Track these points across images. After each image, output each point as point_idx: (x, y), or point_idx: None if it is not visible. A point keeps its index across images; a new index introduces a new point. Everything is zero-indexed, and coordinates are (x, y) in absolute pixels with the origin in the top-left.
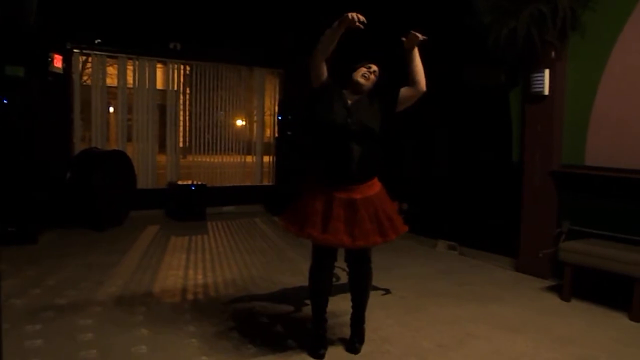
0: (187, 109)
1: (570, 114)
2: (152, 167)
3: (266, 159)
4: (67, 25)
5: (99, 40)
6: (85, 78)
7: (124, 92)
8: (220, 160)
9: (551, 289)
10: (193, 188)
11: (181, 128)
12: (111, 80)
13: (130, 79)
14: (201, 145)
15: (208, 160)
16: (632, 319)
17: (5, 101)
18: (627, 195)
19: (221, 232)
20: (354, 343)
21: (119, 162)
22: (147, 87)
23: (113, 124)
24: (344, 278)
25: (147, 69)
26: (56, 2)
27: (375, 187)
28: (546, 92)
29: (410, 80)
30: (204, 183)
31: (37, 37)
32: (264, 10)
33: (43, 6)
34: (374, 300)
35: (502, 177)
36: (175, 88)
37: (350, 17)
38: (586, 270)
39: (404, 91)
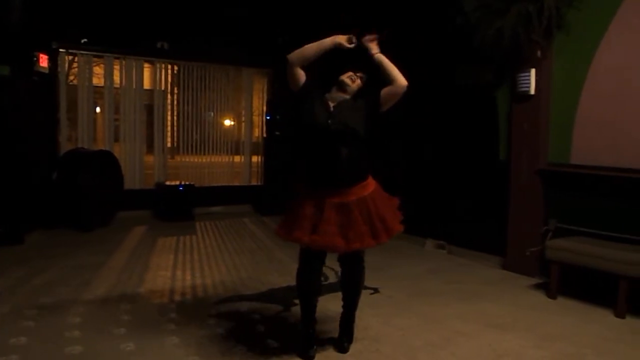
0: (174, 108)
1: (556, 112)
2: (139, 168)
3: (255, 159)
4: (52, 25)
5: (85, 40)
6: (71, 78)
7: (110, 91)
8: (208, 160)
9: (538, 286)
10: (181, 188)
11: (169, 128)
12: (98, 80)
13: (117, 79)
14: (189, 145)
15: (196, 160)
16: (617, 315)
17: None
18: (612, 193)
19: (209, 233)
20: (342, 342)
21: (106, 163)
22: (134, 86)
23: (100, 124)
24: (332, 278)
25: (134, 68)
26: (42, 1)
27: (369, 187)
28: (532, 91)
29: (387, 81)
30: (192, 183)
31: (22, 36)
32: (252, 10)
33: (28, 5)
34: (363, 299)
35: (489, 175)
36: (163, 88)
37: (343, 41)
38: (572, 267)
39: (385, 91)
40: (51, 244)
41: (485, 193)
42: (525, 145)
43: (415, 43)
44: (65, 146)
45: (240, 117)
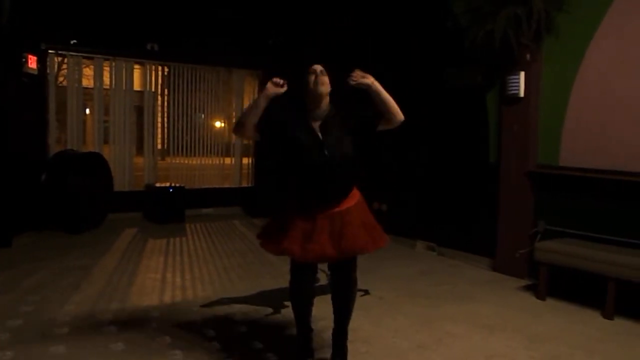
0: (165, 110)
1: (545, 115)
2: (129, 169)
3: (245, 160)
4: (42, 26)
5: (75, 41)
6: (61, 79)
7: (100, 93)
8: (198, 162)
9: (527, 288)
10: (171, 190)
11: (159, 130)
12: (87, 82)
13: (106, 80)
14: (179, 147)
15: (186, 162)
16: (605, 316)
17: None
18: (601, 195)
19: (200, 235)
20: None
21: (96, 164)
22: (124, 88)
23: (90, 126)
24: (323, 280)
25: (124, 70)
26: (31, 2)
27: (354, 197)
28: (522, 93)
29: (384, 116)
30: (182, 185)
31: (11, 37)
32: (243, 12)
33: (17, 6)
34: None
35: (479, 177)
36: (153, 89)
37: (270, 87)
38: (561, 269)
39: (383, 122)
40: (40, 247)
41: (475, 195)
42: (514, 148)
43: (406, 46)
44: (54, 148)
45: (231, 118)
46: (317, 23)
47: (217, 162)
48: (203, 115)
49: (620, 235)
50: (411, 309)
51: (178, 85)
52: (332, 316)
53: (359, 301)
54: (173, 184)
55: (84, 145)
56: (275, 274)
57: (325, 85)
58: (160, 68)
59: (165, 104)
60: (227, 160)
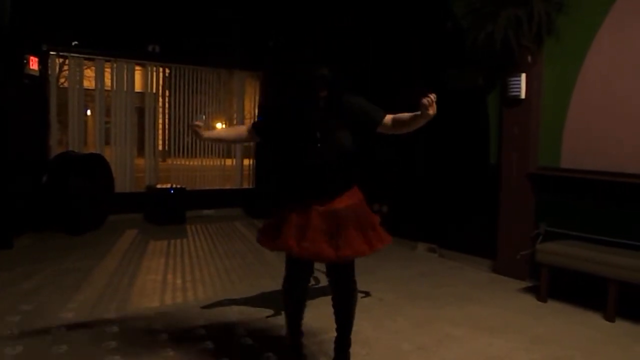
0: (166, 111)
1: (546, 117)
2: (130, 171)
3: (246, 162)
4: (43, 27)
5: (76, 42)
6: (62, 80)
7: (101, 94)
8: (199, 163)
9: (528, 290)
10: (172, 192)
11: (160, 131)
12: (89, 83)
13: (108, 82)
14: (180, 148)
15: (187, 163)
16: (606, 318)
17: None
18: (601, 197)
19: (201, 236)
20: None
21: (97, 166)
22: (125, 89)
23: (91, 127)
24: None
25: (125, 71)
26: (32, 3)
27: (355, 196)
28: (523, 95)
29: (400, 121)
30: (183, 186)
31: (12, 39)
32: (244, 13)
33: (18, 7)
34: None
35: (480, 179)
36: (154, 91)
37: (196, 128)
38: (563, 271)
39: (389, 124)
40: (41, 248)
41: (476, 196)
42: (515, 149)
43: (407, 47)
44: (55, 149)
45: (232, 120)
46: (317, 24)
47: (218, 163)
48: (204, 117)
49: (622, 237)
50: (412, 310)
51: (179, 86)
52: (332, 318)
53: (360, 303)
54: (174, 185)
55: (85, 147)
56: (276, 275)
57: (324, 99)
58: (161, 69)
59: (167, 105)
60: (228, 162)
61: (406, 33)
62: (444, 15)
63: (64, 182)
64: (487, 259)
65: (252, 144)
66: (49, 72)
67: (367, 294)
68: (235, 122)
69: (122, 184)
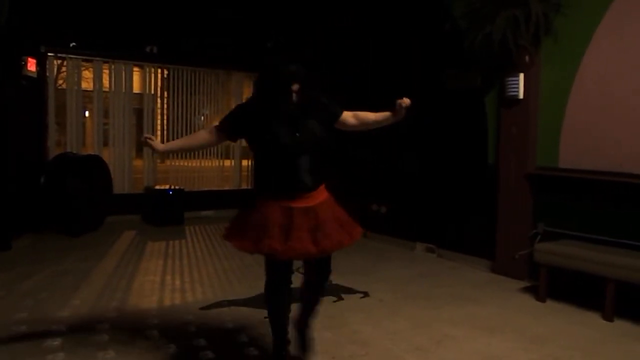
0: (164, 112)
1: (544, 117)
2: (128, 172)
3: (244, 162)
4: (41, 29)
5: (74, 44)
6: (60, 82)
7: (99, 96)
8: (198, 164)
9: (527, 289)
10: (170, 193)
11: (159, 132)
12: (87, 84)
13: (106, 83)
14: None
15: (186, 164)
16: (605, 318)
17: None
18: (600, 197)
19: (199, 237)
20: (302, 352)
21: (95, 167)
22: (123, 90)
23: (89, 128)
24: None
25: (123, 72)
26: (30, 5)
27: (326, 192)
28: (521, 95)
29: (365, 120)
30: (181, 187)
31: (10, 40)
32: (241, 14)
33: (16, 9)
34: (353, 303)
35: (478, 179)
36: (152, 92)
37: (146, 142)
38: (561, 271)
39: (346, 120)
40: (39, 249)
41: (475, 197)
42: (513, 149)
43: (405, 48)
44: (54, 151)
45: None
46: (315, 25)
47: (217, 164)
48: (203, 117)
49: (620, 237)
50: (410, 311)
51: (177, 87)
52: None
53: (359, 303)
54: (172, 187)
55: (84, 148)
56: None
57: (297, 101)
58: (159, 70)
59: (165, 106)
60: (227, 163)
61: (405, 34)
62: (443, 16)
63: (62, 183)
64: (485, 259)
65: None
66: (47, 73)
67: (365, 294)
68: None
69: (121, 185)
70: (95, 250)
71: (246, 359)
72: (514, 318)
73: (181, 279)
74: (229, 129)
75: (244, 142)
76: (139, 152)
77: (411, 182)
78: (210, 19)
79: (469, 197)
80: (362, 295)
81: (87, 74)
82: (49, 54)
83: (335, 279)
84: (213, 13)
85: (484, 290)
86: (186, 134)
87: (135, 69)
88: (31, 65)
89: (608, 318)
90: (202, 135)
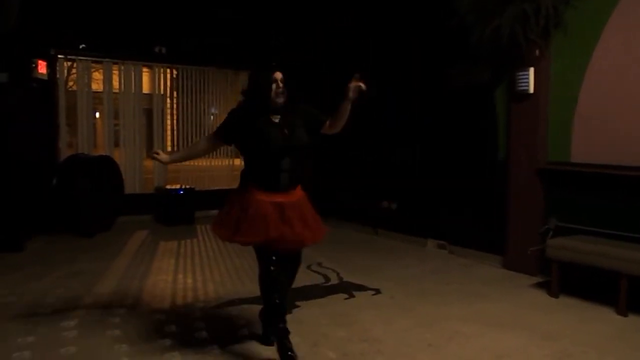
0: (174, 112)
1: (554, 111)
2: (139, 172)
3: None
4: (50, 31)
5: (84, 46)
6: (70, 84)
7: (109, 97)
8: (208, 163)
9: (539, 285)
10: (181, 192)
11: (168, 132)
12: (97, 86)
13: (116, 84)
14: None
15: (196, 164)
16: (619, 313)
17: None
18: (612, 191)
19: (210, 236)
20: (268, 336)
21: (106, 168)
22: (133, 91)
23: (100, 129)
24: (334, 279)
25: (132, 73)
26: (39, 8)
27: (299, 193)
28: (531, 90)
29: (334, 120)
30: (192, 187)
31: (21, 43)
32: (250, 13)
33: (26, 12)
34: (365, 300)
35: (489, 175)
36: (162, 92)
37: (154, 157)
38: (574, 266)
39: (327, 126)
40: (52, 250)
41: (486, 192)
42: (524, 144)
43: (410, 45)
44: (65, 152)
45: None
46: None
47: (227, 163)
48: (212, 117)
49: (633, 231)
50: (422, 308)
51: (186, 87)
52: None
53: (371, 300)
54: (183, 186)
55: (95, 149)
56: None
57: (284, 96)
58: (168, 71)
59: (174, 106)
60: (237, 162)
61: (406, 32)
62: (446, 13)
63: (74, 184)
64: (497, 255)
65: None
66: (58, 75)
67: (377, 291)
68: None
69: (132, 185)
70: (107, 251)
71: (259, 355)
72: (526, 314)
73: (193, 277)
74: (225, 136)
75: None
76: (150, 152)
77: (422, 178)
78: (217, 19)
79: (480, 193)
80: (373, 292)
81: (97, 75)
82: (59, 56)
83: (346, 276)
84: (220, 13)
85: (496, 287)
86: (195, 134)
87: (145, 69)
88: (42, 67)
89: (622, 313)
90: (202, 145)
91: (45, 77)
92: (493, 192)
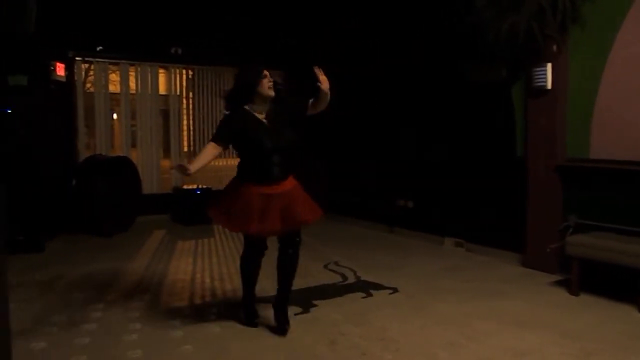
0: (190, 113)
1: (573, 107)
2: (156, 172)
3: None
4: (68, 34)
5: (101, 48)
6: (88, 85)
7: (127, 98)
8: (225, 163)
9: (559, 283)
10: (198, 192)
11: (185, 132)
12: (114, 87)
13: (132, 85)
14: None
15: (213, 163)
16: None
17: (9, 111)
18: (633, 187)
19: (227, 235)
20: (283, 324)
21: (124, 168)
22: (149, 92)
23: (117, 130)
24: (351, 278)
25: (149, 74)
26: (57, 11)
27: (294, 180)
28: (549, 86)
29: (316, 103)
30: (209, 187)
31: (39, 46)
32: (264, 13)
33: (44, 15)
34: (382, 299)
35: (507, 172)
36: (178, 93)
37: (180, 169)
38: (594, 263)
39: (311, 105)
40: (72, 251)
41: (504, 190)
42: (542, 141)
43: (427, 43)
44: (83, 153)
45: None
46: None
47: None
48: None
49: None
50: (440, 306)
51: (202, 87)
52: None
53: (389, 299)
54: (200, 186)
55: (112, 150)
56: (304, 273)
57: (273, 89)
58: (184, 71)
59: (191, 106)
60: None
61: (417, 31)
62: (463, 9)
63: (93, 185)
64: (515, 253)
65: None
66: (75, 77)
67: (394, 290)
68: None
69: (149, 185)
70: (126, 251)
71: (277, 353)
72: (546, 312)
73: (211, 276)
74: (223, 140)
75: None
76: (167, 153)
77: (439, 176)
78: (233, 19)
79: (498, 191)
80: (390, 291)
81: (114, 77)
82: (77, 58)
83: (363, 274)
84: (236, 13)
85: (515, 285)
86: (212, 134)
87: (161, 70)
88: (60, 70)
89: None
90: (210, 151)
91: (64, 80)
92: (511, 190)
